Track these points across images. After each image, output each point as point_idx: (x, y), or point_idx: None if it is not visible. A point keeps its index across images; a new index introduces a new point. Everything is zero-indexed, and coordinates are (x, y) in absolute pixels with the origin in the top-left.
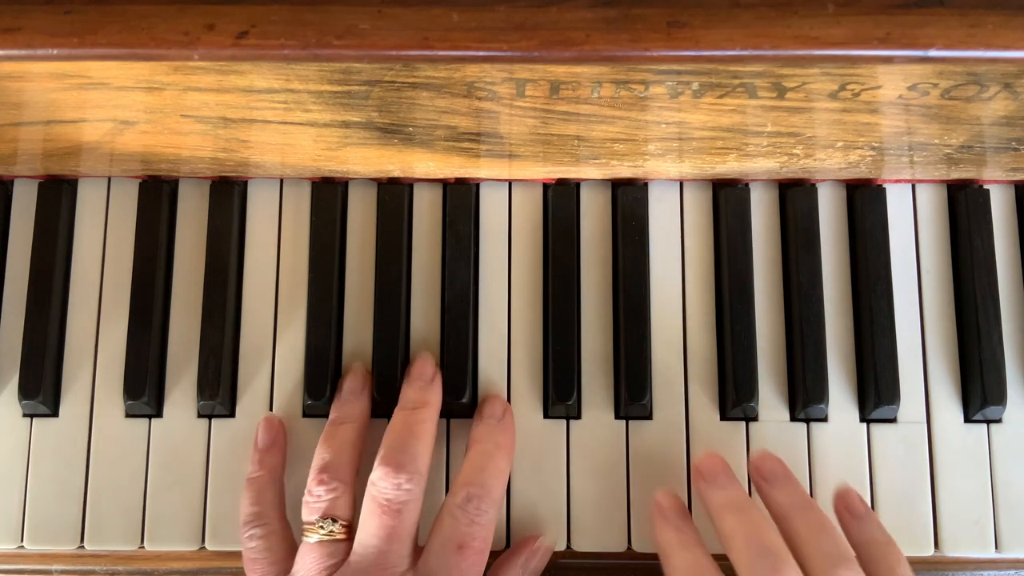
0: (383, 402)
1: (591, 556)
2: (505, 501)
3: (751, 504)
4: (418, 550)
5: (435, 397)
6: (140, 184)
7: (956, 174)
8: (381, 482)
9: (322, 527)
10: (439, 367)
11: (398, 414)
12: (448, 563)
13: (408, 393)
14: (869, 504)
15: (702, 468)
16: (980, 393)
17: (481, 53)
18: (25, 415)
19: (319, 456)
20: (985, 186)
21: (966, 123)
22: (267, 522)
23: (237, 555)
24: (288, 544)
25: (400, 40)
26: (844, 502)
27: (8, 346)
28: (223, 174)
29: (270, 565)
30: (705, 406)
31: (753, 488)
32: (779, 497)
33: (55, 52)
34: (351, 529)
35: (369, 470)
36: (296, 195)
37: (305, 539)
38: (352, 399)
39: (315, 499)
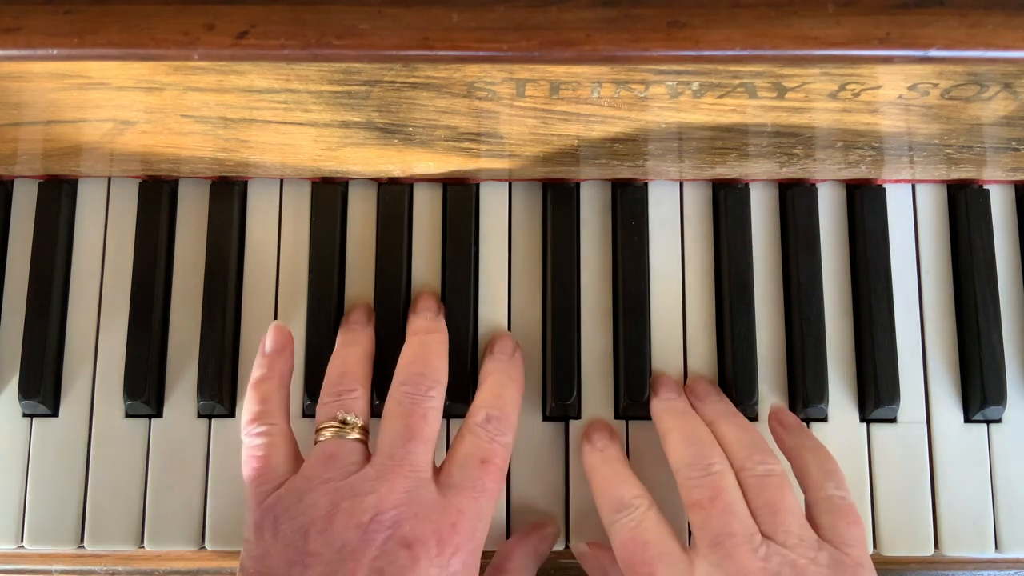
0: (384, 403)
1: None
2: (505, 499)
3: (690, 410)
4: (437, 467)
5: (443, 326)
6: (140, 184)
7: (956, 174)
8: (404, 386)
9: (342, 422)
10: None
11: (410, 339)
12: (472, 475)
13: (417, 322)
14: (869, 504)
15: (656, 384)
16: (980, 393)
17: (481, 53)
18: (25, 415)
19: (332, 368)
20: (985, 186)
21: (966, 123)
22: (275, 422)
23: (237, 555)
24: (293, 448)
25: (400, 40)
26: (776, 417)
27: (8, 346)
28: (223, 174)
29: (273, 464)
30: None
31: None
32: (708, 409)
33: (55, 52)
34: (367, 433)
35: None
36: (296, 195)
37: (319, 440)
38: (359, 327)
39: (332, 398)
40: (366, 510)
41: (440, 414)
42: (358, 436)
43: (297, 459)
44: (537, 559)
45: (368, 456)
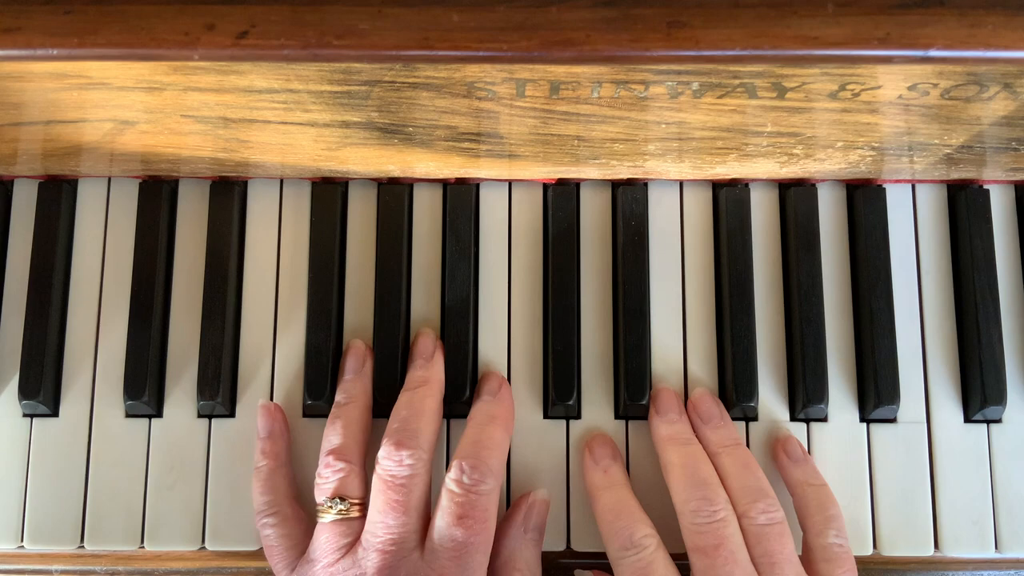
0: (383, 403)
1: (591, 556)
2: (505, 499)
3: (694, 440)
4: (428, 525)
5: (436, 373)
6: (140, 184)
7: (956, 174)
8: (385, 460)
9: (331, 507)
10: (440, 340)
11: (402, 395)
12: (452, 536)
13: (411, 373)
14: (869, 504)
15: (657, 402)
16: (980, 393)
17: (481, 53)
18: (25, 415)
19: (327, 438)
20: (985, 186)
21: (966, 123)
22: (279, 509)
23: (237, 555)
24: (303, 527)
25: (400, 40)
26: (783, 447)
27: (8, 346)
28: (223, 174)
29: (287, 550)
30: None
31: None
32: (711, 436)
33: (55, 52)
34: (364, 507)
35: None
36: (296, 195)
37: (319, 520)
38: (354, 378)
39: (324, 480)
40: None
41: (426, 477)
42: (355, 515)
43: (308, 535)
44: (534, 531)
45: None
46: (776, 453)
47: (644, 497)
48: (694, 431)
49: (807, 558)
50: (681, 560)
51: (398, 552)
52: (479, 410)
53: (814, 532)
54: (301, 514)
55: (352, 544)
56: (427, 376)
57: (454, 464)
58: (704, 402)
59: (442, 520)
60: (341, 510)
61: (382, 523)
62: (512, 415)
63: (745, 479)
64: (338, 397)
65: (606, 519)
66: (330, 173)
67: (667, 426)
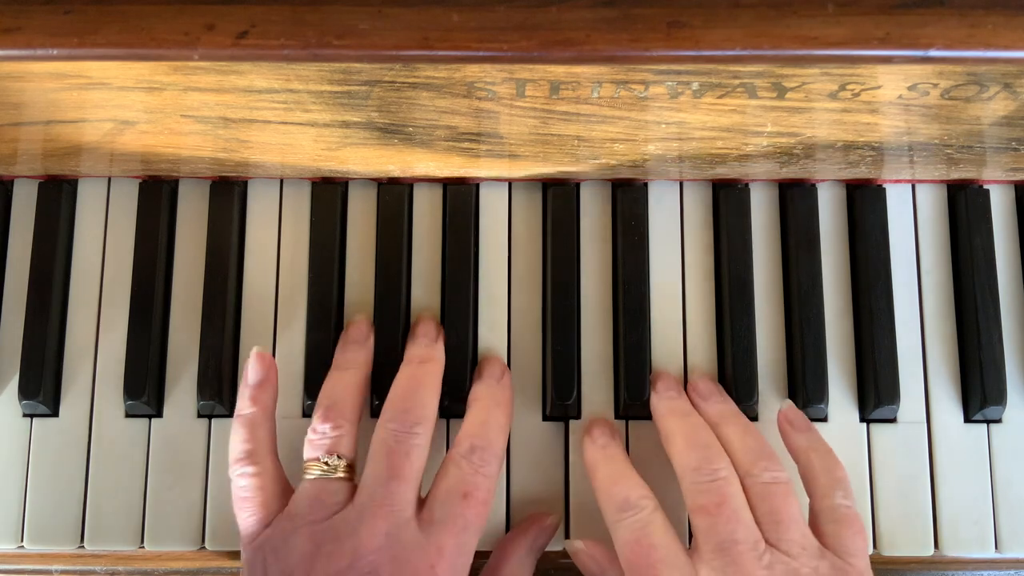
0: (383, 403)
1: None
2: (505, 499)
3: (693, 412)
4: (421, 500)
5: (439, 355)
6: (140, 184)
7: (956, 174)
8: (390, 423)
9: (327, 463)
10: (440, 325)
11: (404, 369)
12: (453, 511)
13: (413, 350)
14: (869, 504)
15: (656, 383)
16: (980, 393)
17: (481, 53)
18: (25, 415)
19: (323, 396)
20: (985, 186)
21: (966, 123)
22: (260, 460)
23: (237, 555)
24: (281, 485)
25: (400, 40)
26: (786, 416)
27: (8, 346)
28: (223, 174)
29: (261, 504)
30: None
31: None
32: (711, 409)
33: (55, 52)
34: (353, 470)
35: (369, 435)
36: (296, 195)
37: (306, 476)
38: (356, 347)
39: (319, 436)
40: (344, 555)
41: (425, 451)
42: (343, 475)
43: (285, 495)
44: (535, 553)
45: (353, 492)
46: (779, 423)
47: None
48: (695, 407)
49: (814, 521)
50: None
51: (395, 519)
52: (484, 392)
53: (820, 495)
54: (280, 472)
55: (341, 504)
56: (431, 354)
57: (463, 441)
58: (702, 382)
59: (447, 492)
60: (335, 466)
61: (382, 487)
62: (513, 403)
63: (748, 442)
64: (337, 362)
65: (603, 487)
66: (330, 173)
67: (667, 401)
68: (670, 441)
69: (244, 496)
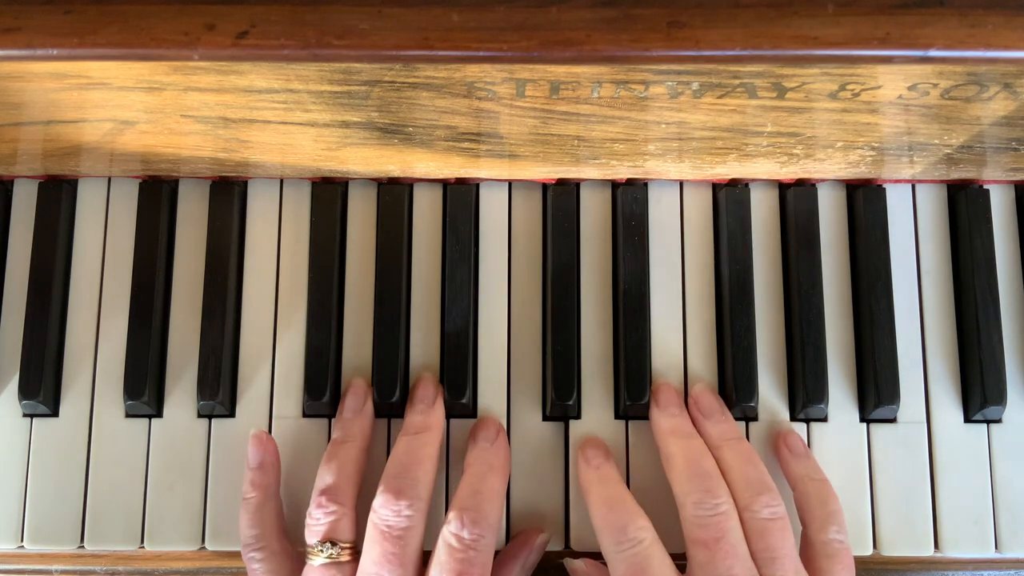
0: (383, 404)
1: (590, 556)
2: (505, 504)
3: (695, 434)
4: (422, 573)
5: (437, 419)
6: (140, 184)
7: (956, 174)
8: (382, 509)
9: (322, 551)
10: (440, 383)
11: (401, 439)
12: None
13: (410, 417)
14: (869, 504)
15: (658, 396)
16: (980, 393)
17: (481, 53)
18: (25, 415)
19: (320, 478)
20: (985, 186)
21: (966, 123)
22: (266, 544)
23: (237, 555)
24: (290, 562)
25: (400, 40)
26: (785, 441)
27: (8, 346)
28: (223, 174)
29: None
30: None
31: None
32: (712, 429)
33: (55, 52)
34: (355, 550)
35: (374, 489)
36: (296, 195)
37: (309, 562)
38: (353, 417)
39: (315, 522)
40: None
41: (421, 528)
42: (346, 559)
43: (295, 571)
44: (527, 572)
45: (354, 569)
46: (777, 447)
47: (644, 497)
48: (695, 426)
49: (806, 553)
50: (679, 560)
51: None
52: (477, 457)
53: (815, 527)
54: (288, 549)
55: None
56: (428, 423)
57: (454, 516)
58: (705, 397)
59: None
60: (331, 554)
61: (376, 575)
62: (509, 463)
63: (747, 472)
64: (335, 435)
65: (599, 512)
66: (330, 173)
67: (668, 419)
68: (671, 464)
69: None
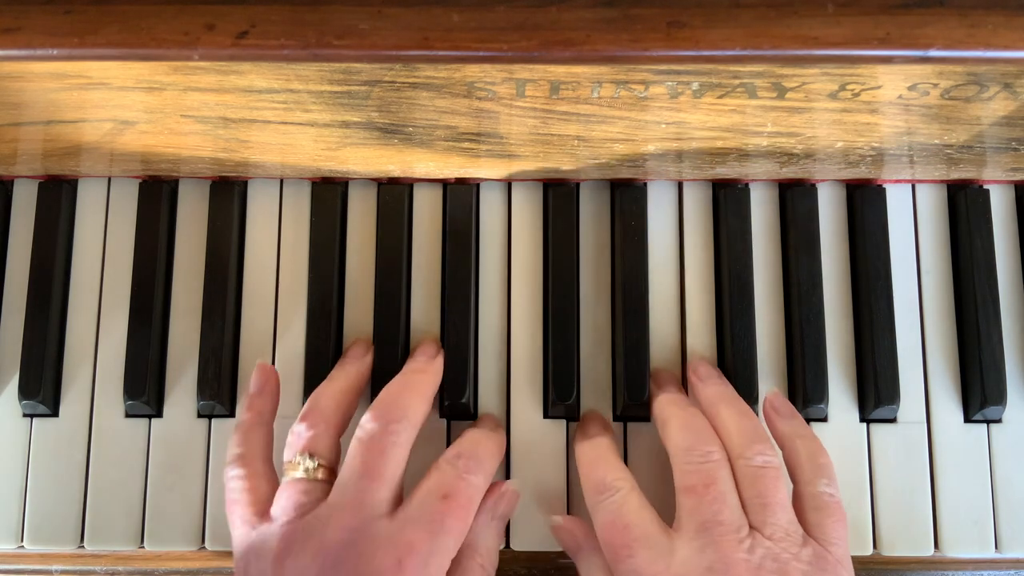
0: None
1: None
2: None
3: (690, 404)
4: (401, 500)
5: (435, 368)
6: (140, 184)
7: (956, 174)
8: (368, 423)
9: (300, 463)
10: (441, 347)
11: (395, 377)
12: (431, 510)
13: (409, 364)
14: (869, 504)
15: (658, 378)
16: (980, 393)
17: (481, 53)
18: (25, 415)
19: (307, 402)
20: (985, 186)
21: (966, 123)
22: (249, 463)
23: None
24: (270, 486)
25: (400, 40)
26: (771, 403)
27: (8, 346)
28: (223, 174)
29: (249, 505)
30: None
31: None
32: (709, 390)
33: (55, 52)
34: (332, 472)
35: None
36: (296, 195)
37: (284, 479)
38: (352, 360)
39: (295, 436)
40: (309, 551)
41: (405, 451)
42: (321, 476)
43: (272, 501)
44: (500, 520)
45: (330, 490)
46: (764, 409)
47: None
48: (693, 392)
49: (797, 506)
50: None
51: (366, 515)
52: (479, 428)
53: (804, 481)
54: (272, 475)
55: (314, 504)
56: (426, 367)
57: (451, 449)
58: (703, 365)
59: (427, 492)
60: (308, 468)
61: (354, 485)
62: (503, 448)
63: (742, 424)
64: (333, 372)
65: (584, 472)
66: (330, 173)
67: (667, 395)
68: (666, 425)
69: (233, 499)
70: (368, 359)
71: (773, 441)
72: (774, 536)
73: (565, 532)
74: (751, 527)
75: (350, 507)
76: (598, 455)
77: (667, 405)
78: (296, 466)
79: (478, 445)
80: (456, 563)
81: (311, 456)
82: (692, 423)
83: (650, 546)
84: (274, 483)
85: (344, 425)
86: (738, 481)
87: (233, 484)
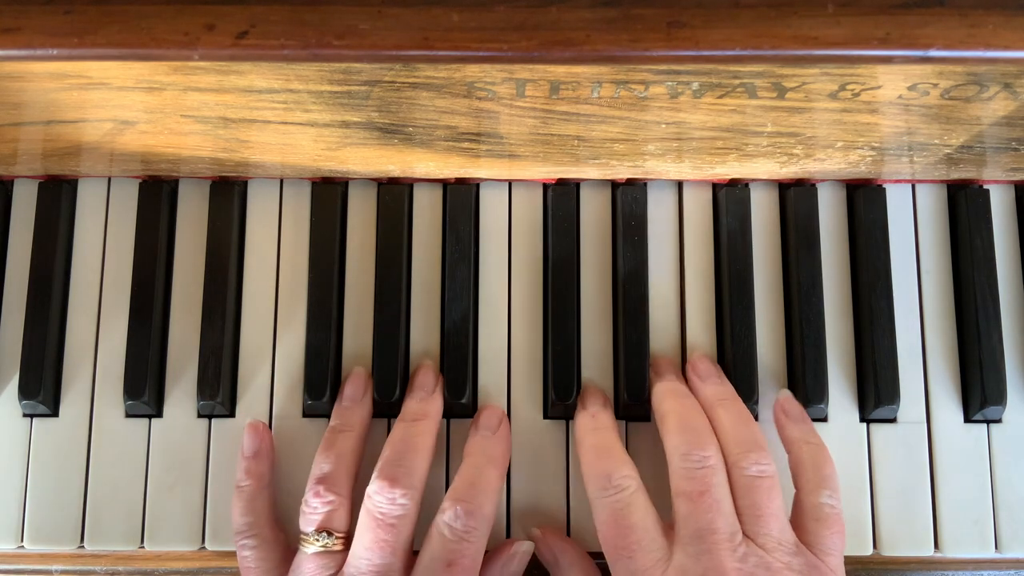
0: (383, 403)
1: (590, 556)
2: (505, 500)
3: (689, 395)
4: (412, 560)
5: (435, 408)
6: (140, 184)
7: (956, 174)
8: (377, 496)
9: (317, 539)
10: (440, 373)
11: (398, 426)
12: None
13: (409, 404)
14: (869, 504)
15: (657, 367)
16: (980, 393)
17: (481, 53)
18: (25, 415)
19: (317, 465)
20: (985, 186)
21: (966, 123)
22: (258, 531)
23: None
24: (281, 550)
25: (400, 40)
26: (782, 405)
27: (8, 346)
28: (223, 174)
29: (264, 573)
30: None
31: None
32: (708, 390)
33: (55, 52)
34: (348, 540)
35: (369, 477)
36: (296, 195)
37: (302, 549)
38: (352, 406)
39: (312, 511)
40: None
41: (414, 516)
42: (338, 548)
43: (286, 562)
44: None
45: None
46: (775, 411)
47: None
48: (692, 390)
49: (797, 515)
50: None
51: None
52: (477, 446)
53: (807, 490)
54: (281, 538)
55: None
56: (426, 410)
57: (448, 506)
58: (703, 363)
59: (431, 562)
60: (326, 544)
61: (367, 560)
62: (508, 454)
63: (739, 430)
64: (333, 422)
65: (588, 459)
66: (330, 173)
67: (665, 383)
68: (664, 420)
69: (247, 567)
70: (368, 398)
71: (768, 450)
72: (766, 545)
73: (543, 545)
74: (745, 535)
75: None
76: (603, 442)
77: (665, 396)
78: (314, 541)
79: (475, 490)
80: None
81: (328, 533)
82: (690, 421)
83: (650, 550)
84: (284, 546)
85: (355, 482)
86: (733, 488)
87: (246, 554)
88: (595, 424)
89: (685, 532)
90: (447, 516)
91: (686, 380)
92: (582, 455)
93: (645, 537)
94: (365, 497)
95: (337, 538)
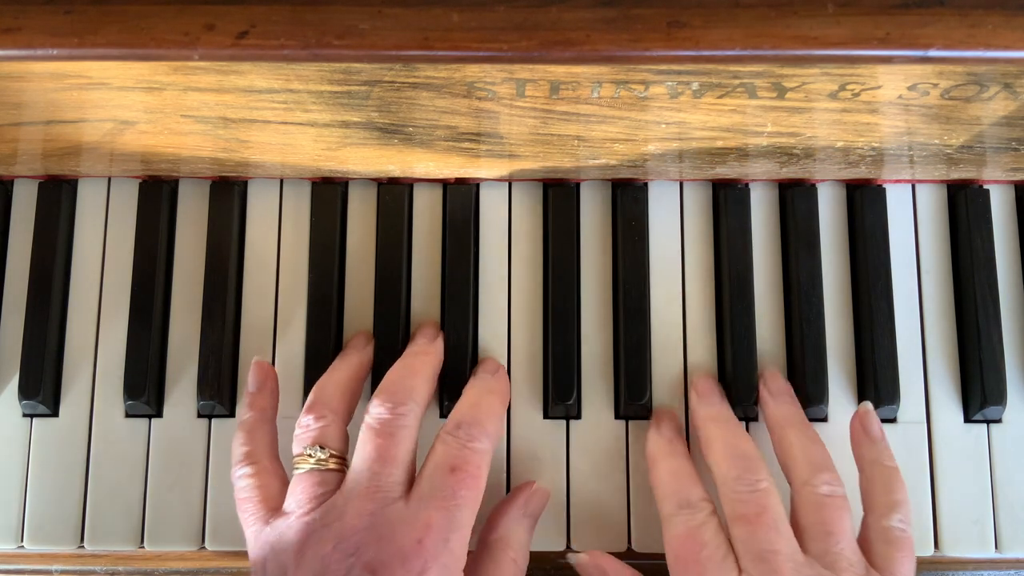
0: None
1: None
2: (505, 488)
3: (733, 419)
4: (413, 481)
5: (436, 350)
6: (140, 184)
7: (956, 174)
8: (376, 408)
9: (311, 455)
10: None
11: (399, 360)
12: (442, 484)
13: (410, 346)
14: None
15: (697, 387)
16: (980, 393)
17: (481, 53)
18: (25, 415)
19: (312, 393)
20: (985, 186)
21: (966, 123)
22: (257, 460)
23: (237, 555)
24: (279, 482)
25: (400, 40)
26: (862, 421)
27: (8, 346)
28: (223, 174)
29: (261, 502)
30: None
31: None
32: (779, 411)
33: (55, 52)
34: (343, 461)
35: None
36: (296, 195)
37: (295, 472)
38: (353, 351)
39: (303, 429)
40: (329, 539)
41: (414, 432)
42: (333, 466)
43: (283, 496)
44: (531, 517)
45: (342, 479)
46: (853, 427)
47: (644, 498)
48: (762, 405)
49: (865, 538)
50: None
51: (382, 499)
52: (477, 383)
53: (877, 513)
54: (280, 471)
55: (329, 494)
56: (427, 348)
57: (451, 419)
58: (774, 380)
59: (434, 469)
60: (320, 459)
61: (367, 470)
62: (508, 392)
63: (811, 451)
64: (340, 355)
65: (664, 480)
66: (330, 173)
67: (708, 408)
68: (710, 447)
69: (244, 497)
70: (369, 349)
71: (839, 474)
72: (836, 565)
73: (593, 568)
74: (810, 554)
75: (366, 493)
76: (682, 467)
77: (708, 423)
78: (307, 458)
79: (477, 408)
80: (489, 557)
81: (321, 447)
82: (737, 447)
83: (720, 570)
84: (283, 479)
85: (350, 413)
86: (799, 507)
87: (243, 483)
88: (672, 449)
89: (747, 555)
90: (449, 426)
91: (723, 380)
92: (657, 476)
93: (716, 555)
94: (367, 411)
95: (331, 454)
